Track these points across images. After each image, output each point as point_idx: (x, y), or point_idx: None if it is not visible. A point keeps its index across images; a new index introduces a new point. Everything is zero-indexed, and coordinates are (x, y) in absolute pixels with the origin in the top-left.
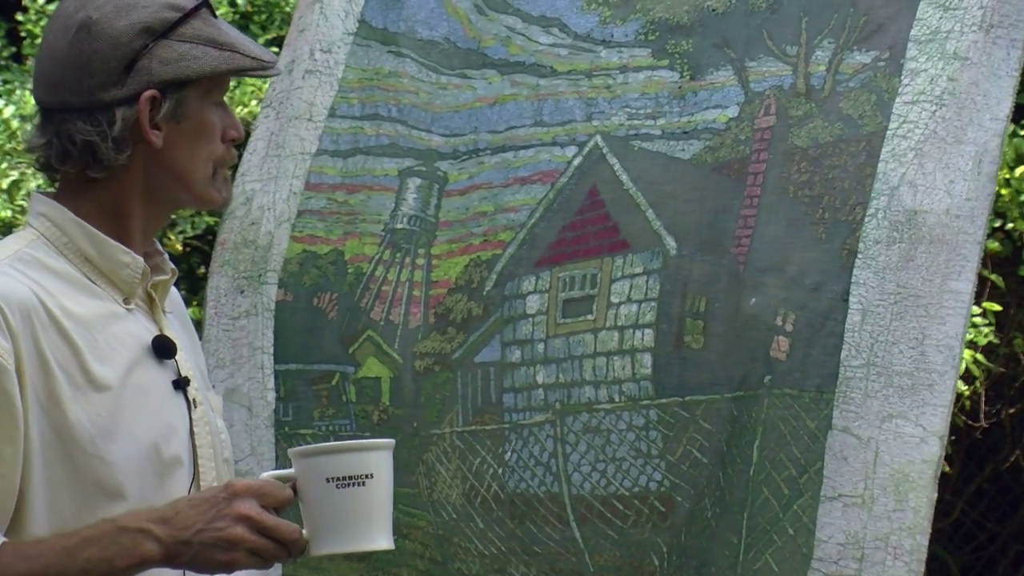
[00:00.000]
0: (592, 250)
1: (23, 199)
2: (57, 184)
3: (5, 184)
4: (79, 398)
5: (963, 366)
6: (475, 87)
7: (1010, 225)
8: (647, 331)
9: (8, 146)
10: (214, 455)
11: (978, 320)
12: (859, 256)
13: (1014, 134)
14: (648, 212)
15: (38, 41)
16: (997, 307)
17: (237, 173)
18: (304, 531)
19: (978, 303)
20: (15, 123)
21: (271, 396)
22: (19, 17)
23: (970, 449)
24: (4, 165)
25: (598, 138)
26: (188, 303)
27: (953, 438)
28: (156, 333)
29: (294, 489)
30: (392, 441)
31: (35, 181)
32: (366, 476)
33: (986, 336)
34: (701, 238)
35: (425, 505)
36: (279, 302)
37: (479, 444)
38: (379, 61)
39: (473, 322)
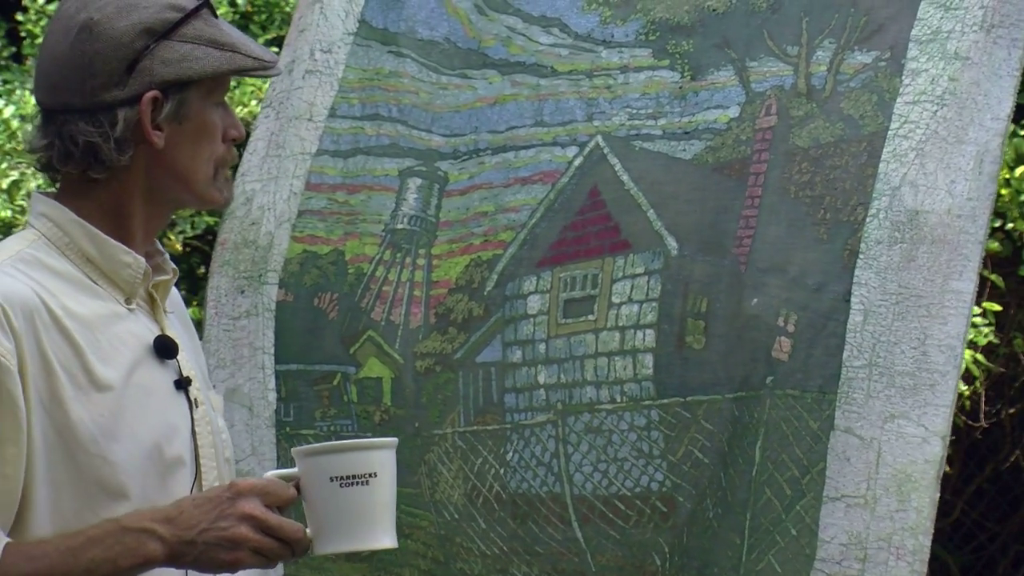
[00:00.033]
0: (593, 250)
1: (23, 199)
2: (58, 184)
3: (5, 184)
4: (81, 398)
5: (963, 366)
6: (475, 87)
7: (1010, 225)
8: (648, 331)
9: (8, 146)
10: (216, 455)
11: (978, 320)
12: (861, 256)
13: (1014, 134)
14: (649, 212)
15: (38, 41)
16: (997, 307)
17: (237, 173)
18: (308, 530)
19: (978, 303)
20: (15, 123)
21: (272, 396)
22: (19, 17)
23: (970, 449)
24: (4, 165)
25: (599, 138)
26: (188, 303)
27: (953, 438)
28: (158, 333)
29: (298, 488)
30: (395, 440)
31: (35, 181)
32: (369, 475)
33: (986, 336)
34: (702, 238)
35: (427, 505)
36: (280, 302)
37: (481, 444)
38: (379, 61)
39: (474, 322)
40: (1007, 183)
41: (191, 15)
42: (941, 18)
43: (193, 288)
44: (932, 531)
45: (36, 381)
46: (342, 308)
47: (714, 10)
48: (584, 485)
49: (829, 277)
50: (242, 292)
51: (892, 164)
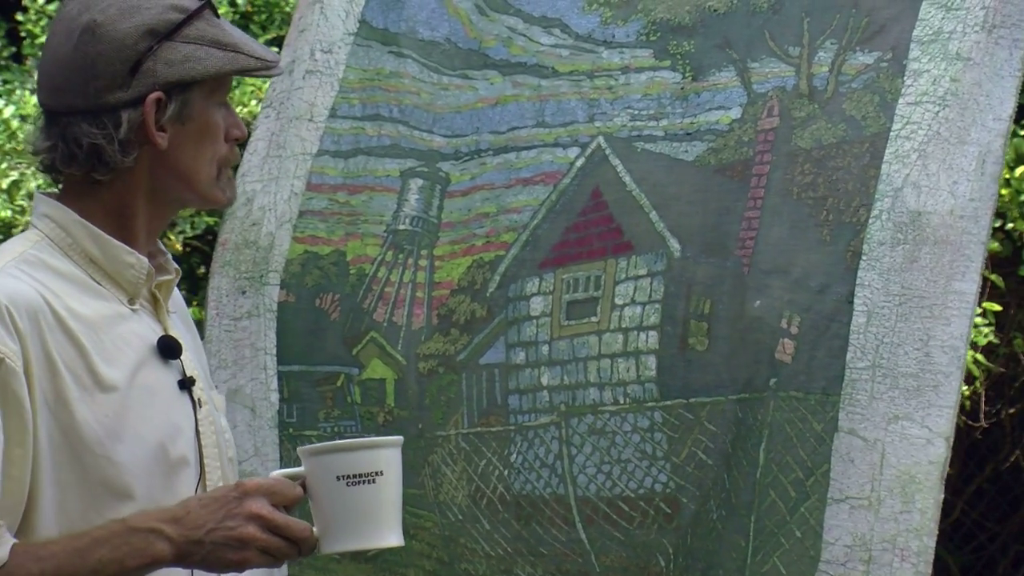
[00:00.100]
0: (595, 252)
1: (23, 199)
2: (60, 185)
3: (5, 184)
4: (86, 399)
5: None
6: (477, 88)
7: (1010, 225)
8: (651, 333)
9: (8, 146)
10: (219, 454)
11: (978, 320)
12: (863, 258)
13: (1014, 134)
14: (652, 214)
15: (38, 41)
16: (997, 307)
17: (238, 173)
18: (314, 529)
19: (978, 303)
20: (15, 123)
21: (274, 397)
22: (19, 17)
23: (970, 449)
24: (4, 165)
25: (600, 139)
26: (187, 303)
27: (953, 438)
28: (161, 333)
29: (304, 487)
30: (401, 439)
31: (35, 181)
32: (376, 473)
33: (986, 336)
34: (705, 240)
35: (431, 506)
36: (281, 303)
37: (484, 446)
38: (380, 61)
39: (477, 324)
40: (1007, 183)
41: (193, 16)
42: (942, 19)
43: (193, 288)
44: (936, 532)
45: (41, 382)
46: (344, 309)
47: (715, 10)
48: (588, 487)
49: (832, 278)
50: (243, 293)
51: (894, 165)
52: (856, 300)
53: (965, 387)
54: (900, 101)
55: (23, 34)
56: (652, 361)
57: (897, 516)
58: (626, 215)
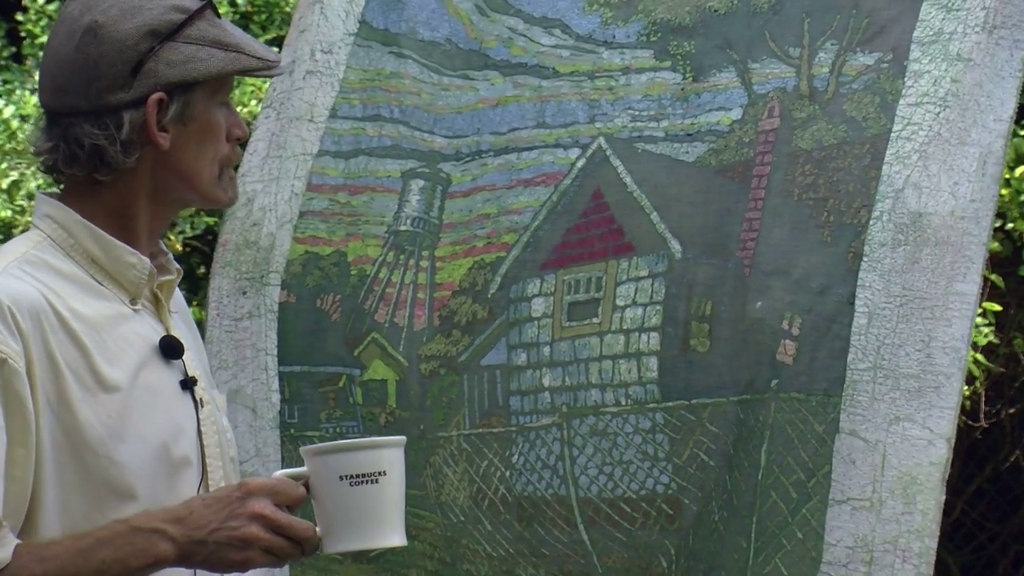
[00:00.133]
0: (597, 253)
1: (23, 199)
2: (61, 185)
3: (5, 184)
4: (89, 399)
5: None
6: (477, 88)
7: (1010, 225)
8: (653, 334)
9: (8, 146)
10: (221, 454)
11: (978, 320)
12: (864, 259)
13: (1014, 134)
14: (653, 215)
15: (38, 41)
16: (997, 307)
17: (238, 173)
18: (317, 529)
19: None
20: (15, 123)
21: (275, 398)
22: (19, 17)
23: (970, 449)
24: (4, 165)
25: (601, 140)
26: (188, 303)
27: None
28: (163, 333)
29: (307, 487)
30: (403, 438)
31: (35, 181)
32: (379, 473)
33: (986, 336)
34: (706, 241)
35: (433, 507)
36: (282, 304)
37: (486, 447)
38: (380, 62)
39: (478, 325)
40: (1007, 183)
41: (195, 16)
42: (943, 19)
43: (193, 288)
44: (938, 533)
45: (44, 383)
46: (345, 310)
47: (715, 11)
48: (589, 488)
49: (833, 280)
50: (244, 293)
51: (895, 166)
52: (857, 301)
53: (965, 387)
54: (901, 102)
55: (23, 34)
56: (653, 362)
57: (899, 517)
58: (627, 216)
